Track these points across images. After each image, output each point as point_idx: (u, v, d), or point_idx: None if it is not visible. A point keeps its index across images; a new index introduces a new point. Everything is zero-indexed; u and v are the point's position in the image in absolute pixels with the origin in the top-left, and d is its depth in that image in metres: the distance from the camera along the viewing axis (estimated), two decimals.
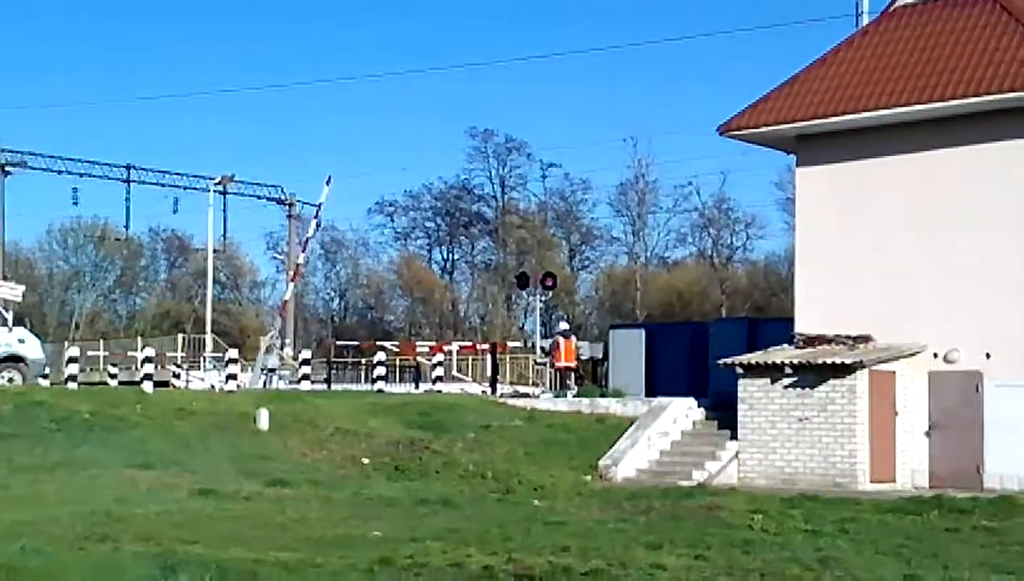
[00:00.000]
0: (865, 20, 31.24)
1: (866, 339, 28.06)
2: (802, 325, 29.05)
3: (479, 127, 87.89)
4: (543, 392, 38.77)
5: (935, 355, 27.51)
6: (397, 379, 46.51)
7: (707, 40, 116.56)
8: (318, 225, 59.56)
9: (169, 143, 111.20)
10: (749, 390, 28.05)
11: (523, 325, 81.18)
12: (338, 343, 61.61)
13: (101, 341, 61.13)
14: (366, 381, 43.95)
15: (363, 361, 49.95)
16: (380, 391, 37.13)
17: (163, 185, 63.63)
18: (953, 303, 27.25)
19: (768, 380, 27.77)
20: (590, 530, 18.06)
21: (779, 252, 76.01)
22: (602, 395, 33.63)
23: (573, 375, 37.79)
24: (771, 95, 29.87)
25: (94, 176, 61.98)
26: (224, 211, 64.85)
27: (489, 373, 42.10)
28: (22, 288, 40.59)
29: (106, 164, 62.50)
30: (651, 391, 33.45)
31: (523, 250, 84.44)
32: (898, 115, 27.88)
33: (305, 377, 39.20)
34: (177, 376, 48.81)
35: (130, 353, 53.05)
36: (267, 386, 43.48)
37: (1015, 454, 26.07)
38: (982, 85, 26.71)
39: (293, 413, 30.01)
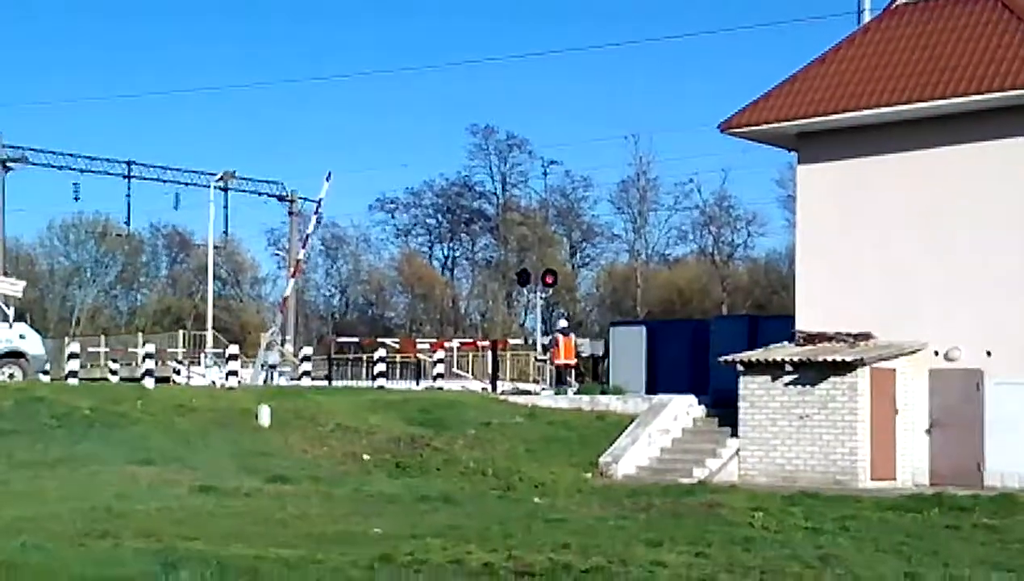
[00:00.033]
0: (867, 17, 31.23)
1: (867, 337, 28.06)
2: (803, 322, 29.05)
3: (480, 124, 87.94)
4: (544, 389, 38.79)
5: (936, 353, 27.51)
6: (398, 376, 46.56)
7: (708, 37, 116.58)
8: (318, 221, 59.68)
9: (170, 139, 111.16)
10: (750, 387, 28.06)
11: (524, 322, 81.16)
12: (339, 340, 61.64)
13: (102, 337, 61.12)
14: (367, 378, 43.92)
15: (364, 358, 49.96)
16: (381, 388, 37.14)
17: (164, 181, 63.58)
18: (954, 301, 27.25)
19: (769, 378, 27.78)
20: (590, 527, 18.07)
21: (780, 249, 76.02)
22: (603, 392, 33.63)
23: (573, 372, 37.80)
24: (772, 92, 29.86)
25: (95, 172, 61.93)
26: (225, 207, 64.82)
27: (490, 370, 42.12)
28: (23, 284, 40.57)
29: (107, 160, 62.48)
30: (652, 388, 33.45)
31: (524, 247, 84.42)
32: (899, 113, 27.87)
33: (306, 373, 39.25)
34: (178, 372, 48.80)
35: (131, 349, 53.07)
36: (268, 382, 43.48)
37: (1015, 452, 26.07)
38: (983, 83, 26.70)
39: (294, 409, 30.03)
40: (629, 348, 35.43)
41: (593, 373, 40.40)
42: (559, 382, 37.22)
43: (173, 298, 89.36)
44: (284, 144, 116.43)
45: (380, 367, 39.19)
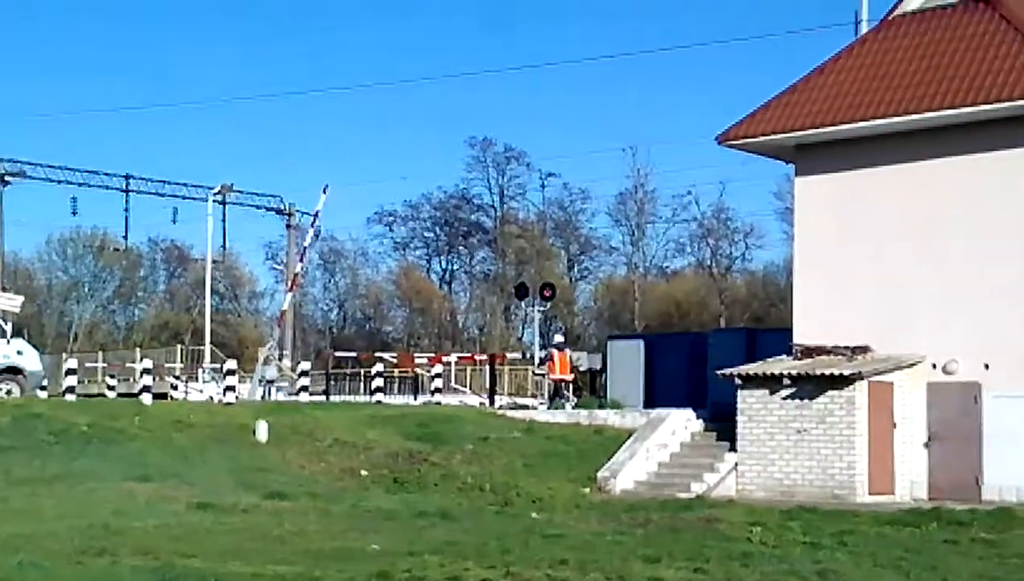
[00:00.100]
0: (864, 29, 31.26)
1: (864, 350, 28.04)
2: (800, 336, 29.03)
3: (478, 136, 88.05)
4: (542, 403, 38.76)
5: (933, 366, 27.48)
6: (396, 390, 46.54)
7: (706, 49, 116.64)
8: (316, 234, 59.63)
9: (168, 152, 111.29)
10: (748, 401, 28.03)
11: (522, 336, 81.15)
12: (337, 354, 61.60)
13: (99, 352, 61.14)
14: (365, 392, 43.93)
15: (362, 372, 49.93)
16: (379, 402, 37.13)
17: (162, 195, 63.70)
18: (951, 314, 27.23)
19: (767, 391, 27.75)
20: (588, 543, 18.05)
21: (778, 262, 76.02)
22: (600, 406, 33.62)
23: (571, 387, 37.79)
24: (770, 104, 29.87)
25: (93, 186, 62.02)
26: (223, 221, 64.90)
27: (488, 384, 42.10)
28: (20, 299, 40.62)
29: (105, 174, 62.55)
30: (650, 402, 33.43)
31: (522, 260, 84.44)
32: (897, 124, 27.87)
33: (303, 388, 39.19)
34: (175, 388, 48.78)
35: (128, 364, 53.04)
36: (266, 398, 43.46)
37: (1014, 466, 26.01)
38: (981, 94, 26.71)
39: (291, 425, 30.00)
40: (627, 362, 35.41)
41: (591, 387, 40.40)
42: (554, 397, 37.18)
43: (171, 313, 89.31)
44: (282, 157, 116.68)
45: (378, 382, 39.18)
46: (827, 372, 26.94)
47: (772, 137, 29.64)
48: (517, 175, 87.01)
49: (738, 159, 58.14)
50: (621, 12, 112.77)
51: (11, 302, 38.93)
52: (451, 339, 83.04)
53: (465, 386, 48.14)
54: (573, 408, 34.40)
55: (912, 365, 27.55)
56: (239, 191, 63.96)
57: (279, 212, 67.16)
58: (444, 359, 48.08)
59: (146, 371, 37.16)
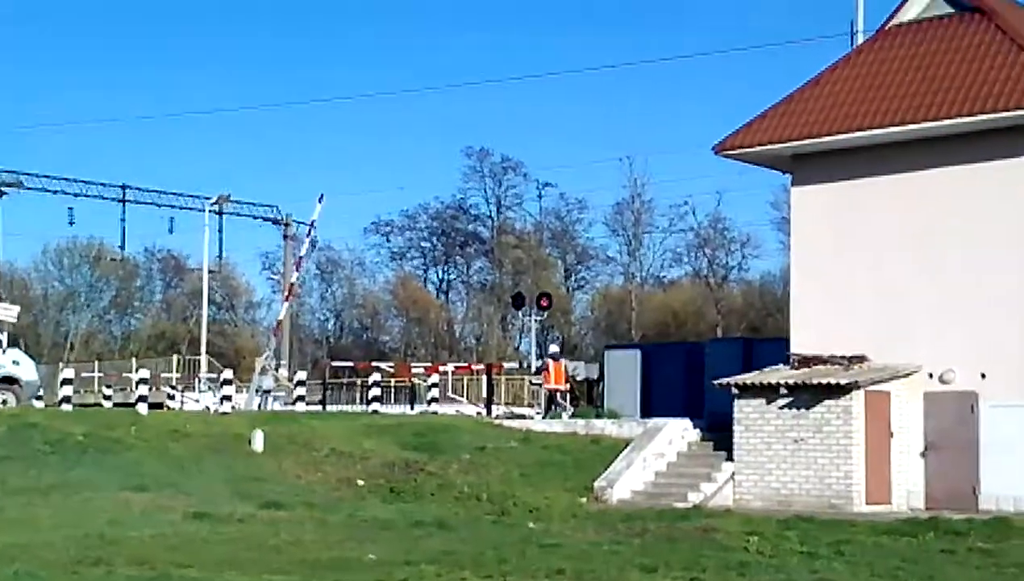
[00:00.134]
0: (860, 39, 31.29)
1: (861, 359, 28.03)
2: (797, 345, 29.02)
3: (475, 146, 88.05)
4: (538, 413, 38.73)
5: (930, 375, 27.48)
6: (392, 400, 46.45)
7: (703, 59, 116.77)
8: (312, 243, 59.61)
9: (165, 163, 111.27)
10: (745, 411, 28.02)
11: (519, 346, 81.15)
12: (333, 364, 61.55)
13: (96, 362, 61.04)
14: (361, 402, 43.86)
15: (358, 382, 49.88)
16: (375, 412, 37.09)
17: (159, 205, 63.72)
18: (948, 324, 27.24)
19: (763, 401, 27.74)
20: (585, 552, 18.03)
21: (774, 272, 76.12)
22: (597, 416, 33.60)
23: (568, 396, 37.76)
24: (767, 114, 29.90)
25: (90, 196, 62.03)
26: (220, 231, 64.90)
27: (484, 394, 42.06)
28: (17, 309, 40.55)
29: (102, 184, 62.57)
30: (646, 412, 33.41)
31: (519, 270, 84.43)
32: (893, 134, 27.91)
33: (300, 398, 39.18)
34: (172, 397, 48.70)
35: (125, 374, 52.94)
36: (262, 407, 43.39)
37: (1010, 475, 26.00)
38: (976, 104, 26.74)
39: (288, 435, 29.98)
40: (624, 372, 35.41)
41: (588, 397, 40.35)
42: (549, 407, 37.15)
43: (167, 323, 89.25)
44: (279, 167, 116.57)
45: (375, 391, 39.16)
46: (824, 382, 26.94)
47: (769, 147, 29.67)
48: (514, 185, 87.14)
49: (735, 169, 57.99)
50: (619, 22, 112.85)
51: (7, 312, 38.87)
52: (448, 349, 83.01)
53: (462, 396, 48.08)
54: (570, 418, 34.38)
55: (909, 375, 27.55)
56: (236, 201, 63.97)
57: (276, 222, 67.18)
58: (441, 369, 47.98)
59: (142, 381, 37.14)
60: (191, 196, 63.64)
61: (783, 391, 27.43)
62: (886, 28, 29.93)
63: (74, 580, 14.85)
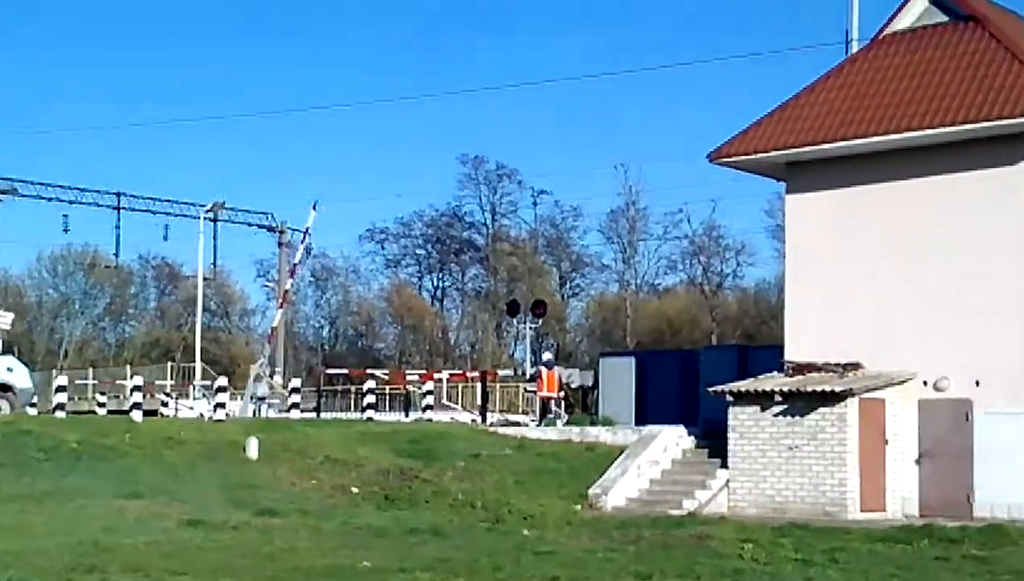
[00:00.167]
0: (855, 47, 31.34)
1: (856, 367, 28.05)
2: (792, 353, 29.04)
3: (470, 154, 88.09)
4: (533, 420, 38.73)
5: (925, 383, 27.50)
6: (387, 407, 46.45)
7: (697, 67, 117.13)
8: (307, 250, 59.72)
9: (160, 170, 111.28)
10: (739, 418, 28.02)
11: (513, 353, 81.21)
12: (328, 371, 61.53)
13: (90, 369, 61.00)
14: (356, 409, 43.86)
15: (353, 389, 49.87)
16: (370, 419, 37.04)
17: (153, 212, 63.68)
18: (942, 331, 27.25)
19: (758, 408, 27.74)
20: (580, 560, 18.01)
21: (769, 279, 76.20)
22: (592, 423, 33.58)
23: (562, 404, 37.75)
24: (761, 122, 29.93)
25: (84, 203, 61.99)
26: (215, 239, 64.90)
27: (479, 401, 42.04)
28: (11, 316, 40.49)
29: (97, 191, 62.54)
30: (641, 419, 33.41)
31: (514, 277, 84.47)
32: (888, 142, 27.93)
33: (295, 405, 39.15)
34: (166, 405, 48.70)
35: (119, 382, 52.94)
36: (256, 415, 43.37)
37: (1005, 483, 26.04)
38: (972, 112, 26.78)
39: (282, 442, 29.95)
40: (618, 379, 35.41)
41: (582, 404, 40.32)
42: (543, 415, 37.14)
43: (162, 330, 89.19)
44: (274, 175, 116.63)
45: (369, 399, 39.12)
46: (818, 389, 26.95)
47: (763, 155, 29.69)
48: (509, 192, 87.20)
49: (730, 177, 58.16)
50: (612, 29, 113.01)
51: (1, 319, 38.82)
52: (443, 356, 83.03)
53: (456, 403, 48.09)
54: (565, 425, 34.36)
55: (903, 382, 27.57)
56: (231, 208, 63.98)
57: (270, 229, 67.17)
58: (435, 376, 47.98)
59: (136, 388, 37.11)
60: (186, 203, 63.70)
61: (778, 398, 27.44)
62: (881, 36, 29.98)
63: None
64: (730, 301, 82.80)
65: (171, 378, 55.87)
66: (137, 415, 33.88)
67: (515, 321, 60.18)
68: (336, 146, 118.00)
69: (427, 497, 26.59)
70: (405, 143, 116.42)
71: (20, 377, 37.09)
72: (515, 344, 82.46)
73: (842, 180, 28.94)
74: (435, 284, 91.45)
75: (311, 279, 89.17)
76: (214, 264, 67.56)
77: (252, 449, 28.77)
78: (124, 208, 62.90)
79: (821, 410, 26.91)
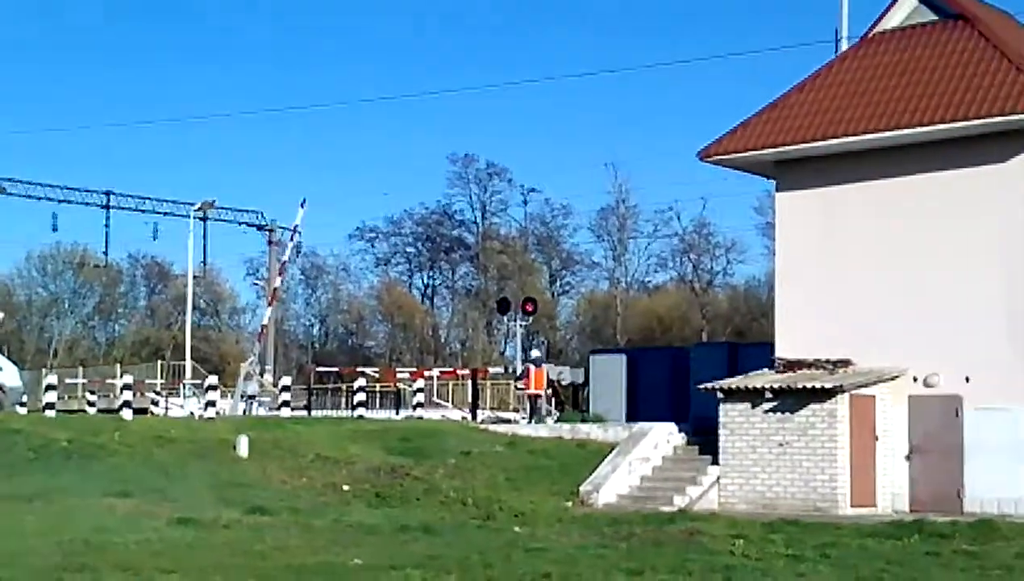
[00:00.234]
0: (845, 46, 31.36)
1: (846, 363, 28.09)
2: (782, 349, 29.07)
3: (460, 152, 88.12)
4: (524, 418, 38.74)
5: (915, 379, 27.54)
6: (378, 405, 46.48)
7: (687, 65, 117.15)
8: (296, 248, 59.67)
9: (149, 169, 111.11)
10: (730, 415, 28.05)
11: (504, 350, 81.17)
12: (318, 369, 61.58)
13: (80, 368, 60.97)
14: (346, 407, 43.84)
15: (344, 387, 49.86)
16: (360, 417, 37.05)
17: (143, 211, 63.74)
18: (932, 327, 27.28)
19: (749, 405, 27.78)
20: (571, 556, 18.01)
21: (759, 277, 76.39)
22: (583, 420, 33.58)
23: (553, 401, 37.76)
24: (751, 120, 29.95)
25: (73, 202, 61.96)
26: (204, 237, 64.89)
27: (470, 399, 42.07)
28: (1, 315, 40.46)
29: (86, 190, 62.53)
30: (632, 416, 33.42)
31: (504, 275, 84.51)
32: (877, 140, 27.96)
33: (285, 403, 39.12)
34: (156, 403, 48.65)
35: (109, 380, 52.92)
36: (247, 413, 43.35)
37: (995, 478, 26.09)
38: (960, 110, 26.82)
39: (273, 440, 29.92)
40: (609, 376, 35.41)
41: (573, 401, 40.35)
42: (533, 412, 37.15)
43: (151, 329, 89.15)
44: (264, 173, 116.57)
45: (360, 396, 39.11)
46: (809, 385, 26.99)
47: (753, 153, 29.71)
48: (499, 191, 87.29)
49: (720, 175, 58.27)
50: (603, 29, 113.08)
51: None
52: (433, 354, 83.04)
53: (447, 401, 48.13)
54: (555, 422, 34.37)
55: (893, 378, 27.61)
56: (220, 207, 63.98)
57: (260, 228, 67.15)
58: (426, 374, 48.08)
59: (126, 387, 37.10)
60: (175, 202, 63.70)
61: (768, 395, 27.48)
62: (870, 35, 30.01)
63: None
64: (720, 298, 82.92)
65: (161, 377, 55.83)
66: (127, 414, 33.88)
67: (505, 319, 60.29)
68: (325, 145, 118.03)
69: (418, 495, 26.58)
70: (394, 142, 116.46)
71: (9, 376, 37.08)
72: (505, 342, 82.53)
73: (832, 178, 28.97)
74: (425, 282, 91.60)
75: (301, 277, 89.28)
76: (204, 262, 67.64)
77: (242, 447, 28.74)
78: (113, 207, 62.95)
79: (811, 406, 26.95)
